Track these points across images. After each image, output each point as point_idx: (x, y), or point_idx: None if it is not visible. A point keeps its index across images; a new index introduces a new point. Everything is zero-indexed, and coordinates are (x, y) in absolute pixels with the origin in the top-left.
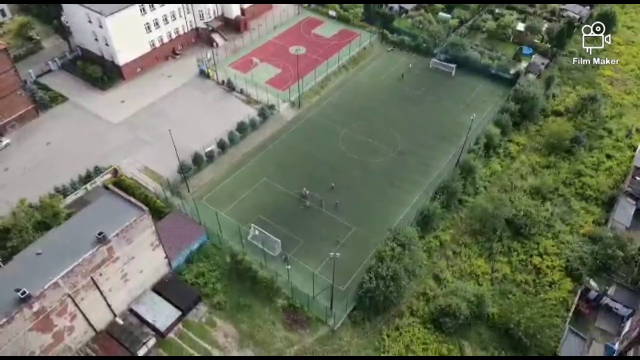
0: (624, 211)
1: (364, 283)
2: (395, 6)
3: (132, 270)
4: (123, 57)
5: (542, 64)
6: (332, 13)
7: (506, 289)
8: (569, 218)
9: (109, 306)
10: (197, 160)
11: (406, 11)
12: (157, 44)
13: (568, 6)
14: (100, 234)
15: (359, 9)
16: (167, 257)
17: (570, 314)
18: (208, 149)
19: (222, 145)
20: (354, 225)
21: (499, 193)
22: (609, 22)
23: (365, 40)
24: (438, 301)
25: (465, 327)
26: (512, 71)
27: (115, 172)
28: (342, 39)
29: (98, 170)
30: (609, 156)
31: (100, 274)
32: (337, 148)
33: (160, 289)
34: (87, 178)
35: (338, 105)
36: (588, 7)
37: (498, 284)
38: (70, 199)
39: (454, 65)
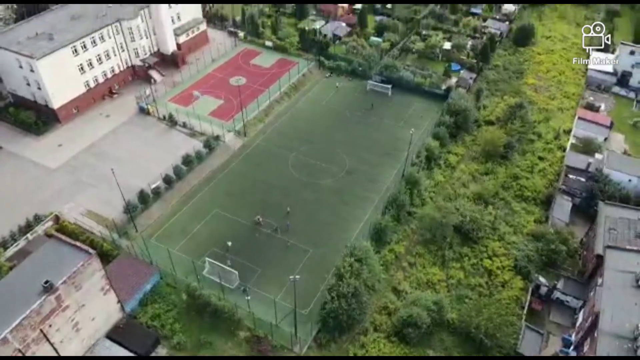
0: (561, 208)
1: (326, 303)
2: (329, 33)
3: (83, 319)
4: (57, 100)
5: (470, 78)
6: (269, 43)
7: (462, 294)
8: (512, 219)
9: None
10: (143, 198)
11: (339, 37)
12: (93, 85)
13: (488, 22)
14: (46, 282)
15: (295, 38)
16: (119, 301)
17: (525, 310)
18: (154, 185)
19: (168, 181)
20: (311, 247)
21: (445, 202)
22: (528, 34)
23: (303, 68)
24: (399, 313)
25: (428, 336)
26: (443, 87)
27: (57, 218)
28: (280, 68)
29: (38, 219)
30: (541, 158)
31: (50, 325)
32: (287, 172)
33: (115, 335)
34: (27, 228)
35: (284, 131)
36: (507, 23)
37: (454, 289)
38: (11, 251)
39: (389, 86)
